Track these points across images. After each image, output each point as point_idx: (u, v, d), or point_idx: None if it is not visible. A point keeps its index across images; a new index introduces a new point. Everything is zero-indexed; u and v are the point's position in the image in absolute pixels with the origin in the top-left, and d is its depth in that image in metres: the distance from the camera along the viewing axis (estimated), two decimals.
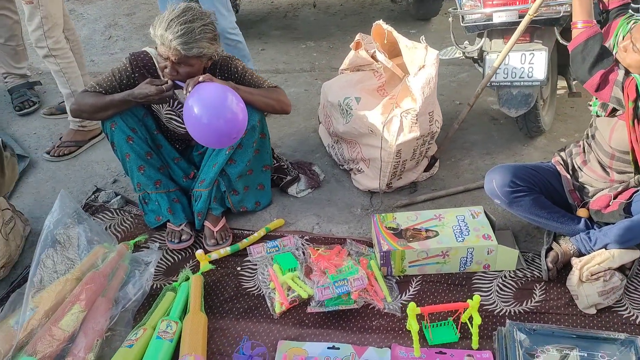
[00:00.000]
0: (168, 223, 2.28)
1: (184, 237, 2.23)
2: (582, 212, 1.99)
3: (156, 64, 2.14)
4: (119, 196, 2.53)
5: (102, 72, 3.75)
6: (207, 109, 1.89)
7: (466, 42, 2.80)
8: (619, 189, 1.92)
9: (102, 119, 2.14)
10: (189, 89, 1.93)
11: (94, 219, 2.34)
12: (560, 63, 2.67)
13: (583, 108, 3.07)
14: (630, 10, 1.88)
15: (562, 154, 2.12)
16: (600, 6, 2.03)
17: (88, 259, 2.01)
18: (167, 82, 2.01)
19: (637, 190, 1.85)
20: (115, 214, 2.45)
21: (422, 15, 4.44)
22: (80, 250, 2.03)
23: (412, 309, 1.70)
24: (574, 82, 2.78)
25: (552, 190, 2.03)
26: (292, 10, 4.96)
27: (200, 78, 1.96)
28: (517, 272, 2.01)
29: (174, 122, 2.27)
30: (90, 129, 2.91)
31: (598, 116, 1.92)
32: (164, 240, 2.26)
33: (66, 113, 2.99)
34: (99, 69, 3.89)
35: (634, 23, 1.78)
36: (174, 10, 1.96)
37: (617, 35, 1.82)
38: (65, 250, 2.00)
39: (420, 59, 2.10)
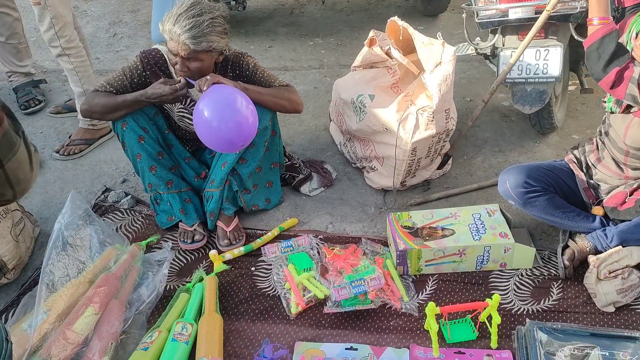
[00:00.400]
0: (180, 223, 2.26)
1: (196, 237, 2.21)
2: (597, 210, 1.97)
3: (168, 61, 2.11)
4: (129, 196, 2.51)
5: (108, 70, 3.80)
6: (217, 114, 1.86)
7: (477, 38, 2.78)
8: (634, 186, 1.90)
9: (113, 119, 2.12)
10: (204, 89, 1.91)
11: (104, 220, 2.33)
12: (572, 59, 2.64)
13: (594, 104, 3.04)
14: None
15: (575, 152, 2.10)
16: (616, 2, 2.00)
17: (100, 261, 2.00)
18: (180, 81, 1.99)
19: None
20: (125, 214, 2.43)
21: (430, 11, 4.41)
22: (92, 252, 2.01)
23: (431, 309, 1.68)
24: (585, 78, 2.76)
25: (566, 189, 2.01)
26: (298, 7, 4.92)
27: (209, 77, 1.93)
28: (534, 270, 1.99)
29: (186, 120, 2.24)
30: (100, 127, 2.88)
31: (612, 113, 1.90)
32: (177, 241, 2.24)
33: (73, 111, 2.97)
34: (104, 66, 3.87)
35: None
36: (182, 5, 1.93)
37: (630, 31, 1.79)
38: (77, 253, 1.98)
39: (437, 55, 2.07)
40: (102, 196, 2.54)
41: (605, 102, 1.94)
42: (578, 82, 2.78)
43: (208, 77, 1.94)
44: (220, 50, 2.03)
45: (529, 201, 1.93)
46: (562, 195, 1.98)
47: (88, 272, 1.94)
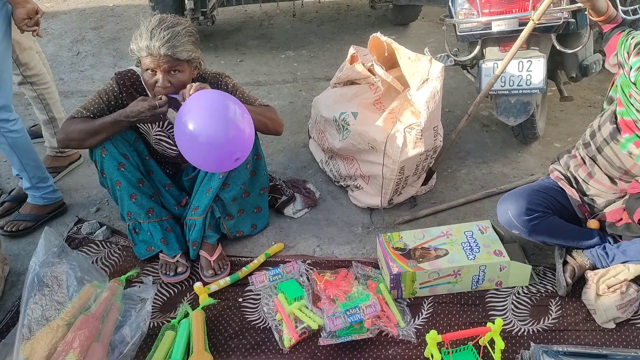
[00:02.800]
0: (161, 254, 2.15)
1: (179, 269, 2.10)
2: (592, 224, 1.96)
3: (144, 82, 2.01)
4: (104, 227, 2.37)
5: (73, 91, 3.64)
6: (205, 124, 1.70)
7: (455, 49, 2.76)
8: None
9: (92, 146, 2.00)
10: (187, 95, 1.81)
11: (79, 253, 2.19)
12: (550, 67, 2.65)
13: (573, 111, 3.07)
14: (627, 27, 1.87)
15: (559, 167, 2.06)
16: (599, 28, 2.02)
17: (78, 300, 1.87)
18: (160, 99, 1.89)
19: None
20: (101, 246, 2.29)
21: (401, 20, 4.41)
22: (69, 292, 1.88)
23: (433, 337, 1.62)
24: (563, 86, 2.77)
25: (560, 207, 1.98)
26: (267, 18, 4.85)
27: (195, 85, 1.84)
28: (530, 287, 1.96)
29: (163, 143, 2.15)
30: (69, 153, 2.73)
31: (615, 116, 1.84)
32: (157, 274, 2.12)
33: (39, 137, 2.77)
34: (68, 87, 3.70)
35: (632, 38, 1.75)
36: (150, 22, 1.88)
37: (621, 53, 1.78)
38: (54, 293, 1.84)
39: (424, 71, 2.03)
40: (75, 228, 2.39)
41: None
42: (557, 89, 2.79)
43: (194, 85, 1.84)
44: (196, 63, 1.98)
45: (534, 228, 1.89)
46: (558, 214, 1.95)
47: (66, 314, 1.81)
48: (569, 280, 1.87)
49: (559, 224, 1.92)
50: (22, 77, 2.49)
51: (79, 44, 4.40)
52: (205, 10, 3.78)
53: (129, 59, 3.80)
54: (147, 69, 1.90)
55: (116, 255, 2.24)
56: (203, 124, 1.70)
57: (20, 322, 1.71)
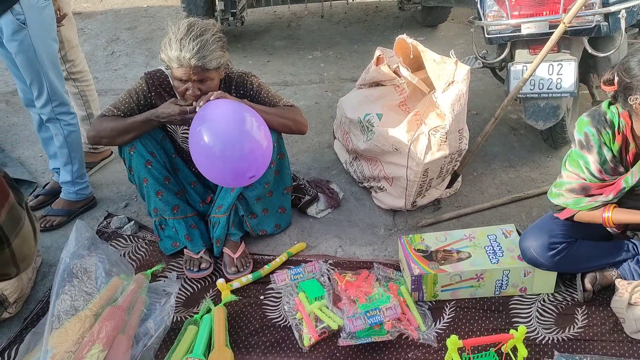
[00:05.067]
0: (186, 250, 2.19)
1: (203, 265, 2.14)
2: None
3: (174, 89, 2.05)
4: (132, 221, 2.43)
5: (107, 90, 3.74)
6: (221, 137, 1.72)
7: (484, 51, 2.72)
8: None
9: (122, 144, 2.06)
10: (201, 104, 1.85)
11: (108, 245, 2.25)
12: (581, 71, 2.59)
13: None
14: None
15: None
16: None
17: (106, 292, 1.92)
18: (190, 104, 1.93)
19: None
20: (129, 240, 2.35)
21: (430, 21, 4.37)
22: (97, 283, 1.94)
23: (454, 342, 1.60)
24: (596, 90, 2.71)
25: (586, 227, 1.84)
26: (295, 19, 4.88)
27: (212, 97, 1.86)
28: (556, 295, 1.92)
29: None
30: (101, 150, 2.82)
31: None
32: (182, 269, 2.17)
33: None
34: (102, 86, 3.81)
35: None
36: (179, 30, 1.89)
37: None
38: (83, 284, 1.90)
39: (449, 74, 2.01)
40: (105, 222, 2.47)
41: None
42: (589, 93, 2.72)
43: (212, 95, 1.87)
44: (225, 65, 2.00)
45: (559, 261, 1.81)
46: (585, 233, 1.84)
47: (94, 305, 1.86)
48: (588, 286, 1.82)
49: (584, 250, 1.84)
50: (67, 73, 2.59)
51: (114, 44, 4.52)
52: (235, 11, 3.84)
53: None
54: (177, 79, 1.92)
55: (143, 249, 2.30)
56: (219, 136, 1.71)
57: (50, 312, 1.77)
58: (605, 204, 1.72)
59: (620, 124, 1.65)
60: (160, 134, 2.13)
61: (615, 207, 1.72)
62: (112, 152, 2.89)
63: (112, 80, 3.90)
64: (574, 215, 1.79)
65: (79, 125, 2.72)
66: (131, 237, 2.37)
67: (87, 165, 2.76)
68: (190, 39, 1.85)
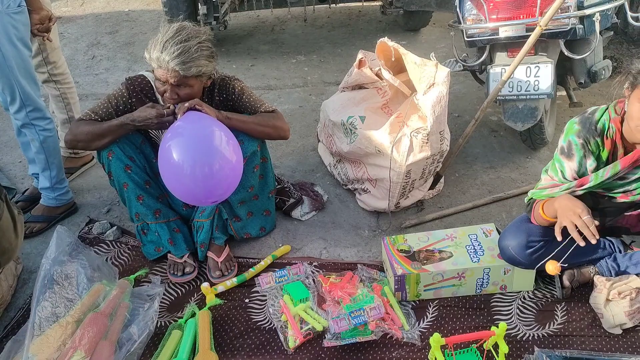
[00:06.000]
0: (169, 254, 2.18)
1: (187, 269, 2.13)
2: (552, 268, 1.75)
3: (154, 88, 2.04)
4: (115, 227, 2.41)
5: (88, 94, 3.71)
6: (190, 155, 1.72)
7: (464, 54, 2.76)
8: None
9: (99, 148, 2.04)
10: (179, 115, 1.85)
11: (91, 250, 2.23)
12: (559, 73, 2.65)
13: None
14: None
15: None
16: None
17: (88, 298, 1.90)
18: (169, 107, 1.92)
19: None
20: (111, 246, 2.33)
21: (412, 26, 4.42)
22: (79, 289, 1.92)
23: (436, 340, 1.62)
24: (573, 92, 2.77)
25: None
26: (279, 24, 4.90)
27: (187, 104, 1.87)
28: (536, 292, 1.96)
29: None
30: (82, 155, 2.79)
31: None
32: (166, 273, 2.16)
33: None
34: (83, 90, 3.77)
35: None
36: (167, 32, 1.89)
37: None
38: (64, 290, 1.88)
39: (430, 76, 2.04)
40: (86, 228, 2.44)
41: None
42: (566, 95, 2.78)
43: (187, 104, 1.88)
44: (209, 75, 1.98)
45: (538, 260, 1.83)
46: (562, 232, 1.83)
47: (76, 311, 1.85)
48: (567, 283, 1.86)
49: (562, 248, 1.84)
50: (48, 75, 2.56)
51: (95, 48, 4.48)
52: (217, 15, 3.83)
53: (143, 63, 3.87)
54: (157, 79, 1.93)
55: (126, 255, 2.28)
56: (188, 153, 1.72)
57: (31, 320, 1.75)
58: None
59: (611, 130, 1.70)
60: (140, 138, 2.12)
61: (547, 200, 1.76)
62: (93, 157, 2.87)
63: (93, 85, 3.87)
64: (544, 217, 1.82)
65: (60, 129, 2.70)
66: (113, 242, 2.35)
67: (67, 170, 2.74)
68: (174, 42, 1.85)
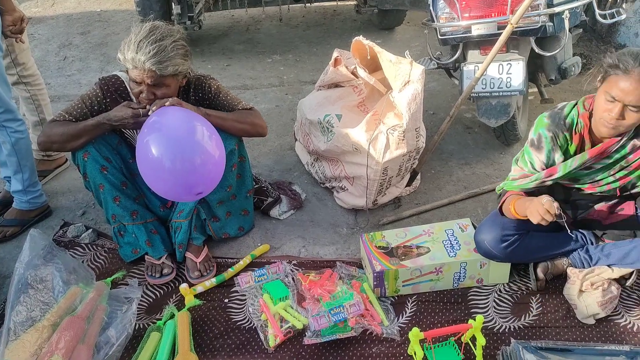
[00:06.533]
0: (147, 256, 2.15)
1: (165, 270, 2.11)
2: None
3: (128, 88, 2.02)
4: (90, 229, 2.37)
5: (60, 96, 3.64)
6: (170, 150, 1.68)
7: (438, 52, 2.80)
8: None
9: (74, 149, 2.00)
10: (152, 109, 1.83)
11: (66, 252, 2.19)
12: (530, 70, 2.70)
13: None
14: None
15: None
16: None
17: (64, 301, 1.87)
18: (145, 107, 1.90)
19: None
20: (87, 249, 2.29)
21: (386, 24, 4.45)
22: (55, 293, 1.88)
23: (415, 335, 1.64)
24: (544, 88, 2.83)
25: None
26: (253, 23, 4.88)
27: (167, 103, 1.85)
28: (511, 285, 2.00)
29: None
30: (55, 157, 2.73)
31: None
32: (143, 275, 2.13)
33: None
34: (55, 92, 3.69)
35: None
36: (140, 31, 1.86)
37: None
38: (39, 294, 1.85)
39: (405, 74, 2.07)
40: (61, 231, 2.40)
41: None
42: (538, 92, 2.84)
43: (167, 102, 1.85)
44: (184, 74, 1.97)
45: (511, 253, 1.88)
46: (536, 226, 1.83)
47: (52, 314, 1.82)
48: (541, 275, 1.91)
49: (535, 241, 1.91)
50: (17, 77, 2.51)
51: (66, 49, 4.40)
52: (192, 15, 3.80)
53: (116, 63, 3.80)
54: (132, 80, 1.90)
55: (102, 257, 2.25)
56: (168, 149, 1.68)
57: (6, 324, 1.71)
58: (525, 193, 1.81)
59: (579, 125, 1.75)
60: (116, 139, 2.09)
61: (518, 199, 1.80)
62: (67, 159, 2.82)
63: (65, 86, 3.79)
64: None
65: (31, 132, 2.64)
66: (89, 245, 2.31)
67: (41, 173, 2.68)
68: (148, 42, 1.82)
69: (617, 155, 1.74)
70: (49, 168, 2.73)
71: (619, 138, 1.71)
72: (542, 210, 1.64)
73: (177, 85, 1.97)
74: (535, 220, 1.67)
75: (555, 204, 1.64)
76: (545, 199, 1.66)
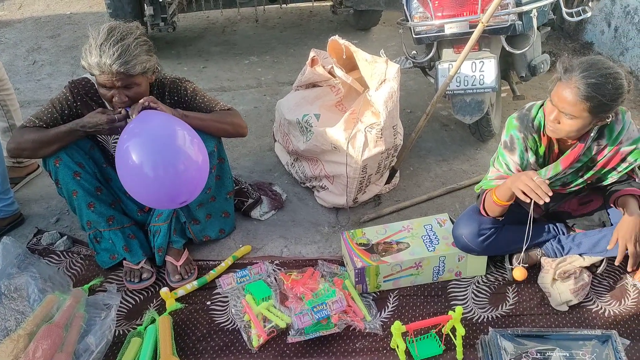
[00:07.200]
0: (125, 261, 2.12)
1: (144, 275, 2.08)
2: (518, 274, 1.93)
3: (101, 96, 1.98)
4: (65, 236, 2.32)
5: (30, 101, 3.56)
6: (152, 156, 1.65)
7: (414, 51, 2.84)
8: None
9: (46, 156, 1.96)
10: (133, 115, 1.80)
11: (41, 260, 2.14)
12: (502, 68, 2.76)
13: None
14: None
15: None
16: None
17: (40, 310, 1.84)
18: (119, 112, 1.87)
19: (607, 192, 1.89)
20: (62, 256, 2.25)
21: (362, 25, 4.49)
22: (31, 301, 1.85)
23: (397, 328, 1.67)
24: (516, 85, 2.90)
25: (513, 209, 1.92)
26: (229, 25, 4.86)
27: (145, 102, 1.82)
28: (489, 276, 2.04)
29: None
30: (27, 164, 2.67)
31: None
32: (122, 281, 2.10)
33: None
34: (25, 97, 3.61)
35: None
36: (99, 35, 1.81)
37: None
38: (14, 303, 1.81)
39: (381, 72, 2.09)
40: (34, 239, 2.34)
41: None
42: (510, 89, 2.91)
43: (145, 101, 1.83)
44: (152, 70, 1.93)
45: (488, 246, 1.93)
46: (513, 217, 1.94)
47: (28, 324, 1.78)
48: (516, 265, 1.96)
49: (511, 234, 1.95)
50: None
51: (35, 53, 4.30)
52: (165, 16, 3.76)
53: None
54: (101, 85, 1.86)
55: (78, 265, 2.21)
56: (150, 155, 1.65)
57: None
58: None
59: (546, 127, 1.78)
60: (89, 144, 2.05)
61: (497, 187, 1.84)
62: (38, 165, 2.76)
63: (35, 91, 3.71)
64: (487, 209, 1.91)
65: (1, 138, 2.58)
66: (64, 252, 2.27)
67: (12, 180, 2.61)
68: (110, 44, 1.77)
69: (585, 158, 1.79)
70: (20, 175, 2.67)
71: (584, 143, 1.75)
72: (532, 184, 1.64)
73: (147, 83, 1.94)
74: (519, 186, 1.65)
75: (546, 183, 1.65)
76: (537, 176, 1.66)
